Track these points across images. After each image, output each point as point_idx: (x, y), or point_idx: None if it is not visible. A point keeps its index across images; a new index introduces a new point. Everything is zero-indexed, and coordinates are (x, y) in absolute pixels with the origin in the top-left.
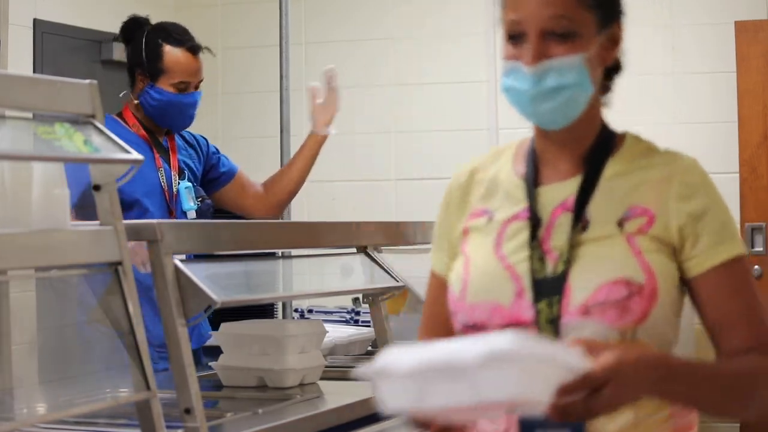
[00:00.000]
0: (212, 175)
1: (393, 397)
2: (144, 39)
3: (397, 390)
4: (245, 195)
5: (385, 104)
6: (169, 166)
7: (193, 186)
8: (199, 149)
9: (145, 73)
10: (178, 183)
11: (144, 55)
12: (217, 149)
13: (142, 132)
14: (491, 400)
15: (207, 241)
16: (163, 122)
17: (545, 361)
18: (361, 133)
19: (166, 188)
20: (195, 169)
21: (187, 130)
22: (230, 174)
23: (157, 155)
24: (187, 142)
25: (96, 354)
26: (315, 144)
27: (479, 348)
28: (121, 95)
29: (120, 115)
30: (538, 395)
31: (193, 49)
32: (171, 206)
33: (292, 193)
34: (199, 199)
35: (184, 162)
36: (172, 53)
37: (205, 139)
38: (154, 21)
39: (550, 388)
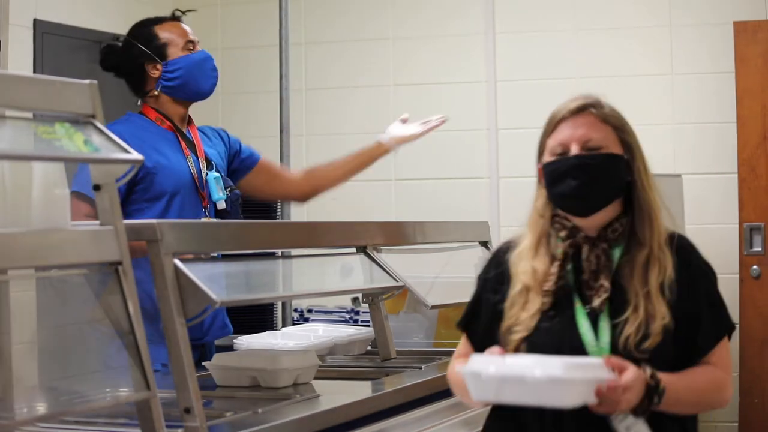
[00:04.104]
0: (236, 164)
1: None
2: (132, 38)
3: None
4: (276, 179)
5: (384, 104)
6: (197, 155)
7: (221, 176)
8: (221, 140)
9: (153, 60)
10: (206, 173)
11: (143, 48)
12: (238, 139)
13: (167, 124)
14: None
15: (207, 241)
16: (192, 89)
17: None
18: (360, 133)
19: (196, 176)
20: (221, 159)
21: (207, 125)
22: (253, 160)
23: (183, 144)
24: (208, 135)
25: (96, 354)
26: (376, 153)
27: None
28: (137, 104)
29: (141, 113)
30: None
31: (177, 17)
32: (202, 192)
33: (330, 188)
34: (228, 189)
35: (210, 152)
36: (163, 28)
37: (225, 131)
38: None
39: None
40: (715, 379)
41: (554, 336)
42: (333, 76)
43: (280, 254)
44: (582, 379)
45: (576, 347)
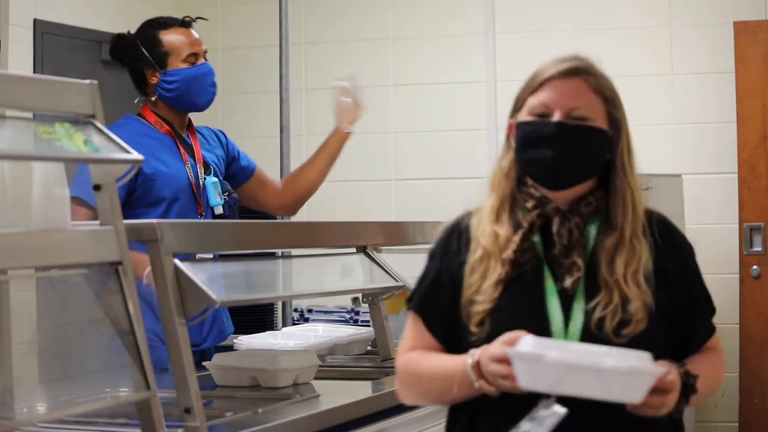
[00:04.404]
0: (233, 169)
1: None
2: (137, 38)
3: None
4: (265, 191)
5: (384, 104)
6: (195, 161)
7: (219, 181)
8: (220, 143)
9: (153, 67)
10: (204, 178)
11: (145, 51)
12: (236, 144)
13: (166, 128)
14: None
15: (207, 241)
16: (187, 102)
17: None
18: (360, 133)
19: (194, 182)
20: (219, 163)
21: (206, 126)
22: (250, 170)
23: (182, 150)
24: (206, 137)
25: (96, 354)
26: (338, 142)
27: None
28: (136, 101)
29: (140, 115)
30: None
31: (185, 23)
32: (198, 199)
33: (311, 191)
34: (225, 194)
35: (208, 157)
36: (168, 35)
37: (224, 133)
38: None
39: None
40: (718, 364)
41: (519, 313)
42: (333, 76)
43: (280, 254)
44: (653, 372)
45: (540, 328)
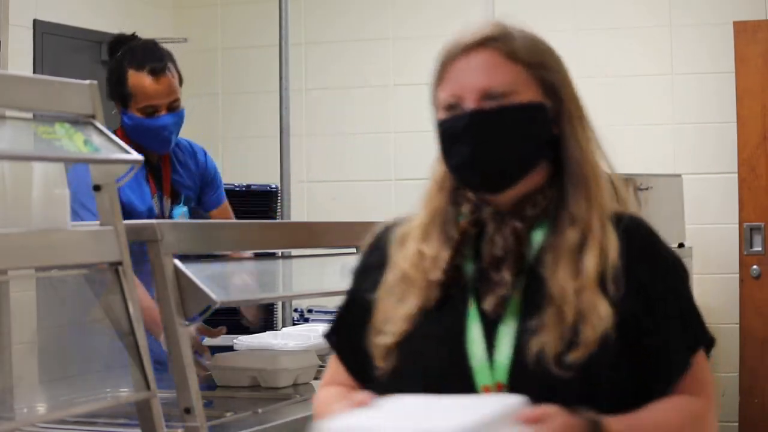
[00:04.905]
0: (204, 193)
1: None
2: (111, 66)
3: None
4: None
5: (384, 104)
6: (162, 191)
7: (189, 209)
8: (196, 163)
9: (116, 100)
10: (172, 209)
11: (112, 82)
12: (216, 170)
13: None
14: None
15: (207, 241)
16: (145, 147)
17: None
18: (360, 133)
19: (159, 215)
20: (192, 185)
21: (188, 139)
22: (215, 203)
23: (151, 181)
24: (182, 156)
25: (96, 354)
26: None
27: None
28: (113, 112)
29: (115, 134)
30: None
31: (155, 71)
32: None
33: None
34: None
35: (179, 182)
36: (134, 77)
37: (206, 153)
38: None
39: None
40: (692, 415)
41: (435, 347)
42: (333, 76)
43: (280, 254)
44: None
45: (459, 363)
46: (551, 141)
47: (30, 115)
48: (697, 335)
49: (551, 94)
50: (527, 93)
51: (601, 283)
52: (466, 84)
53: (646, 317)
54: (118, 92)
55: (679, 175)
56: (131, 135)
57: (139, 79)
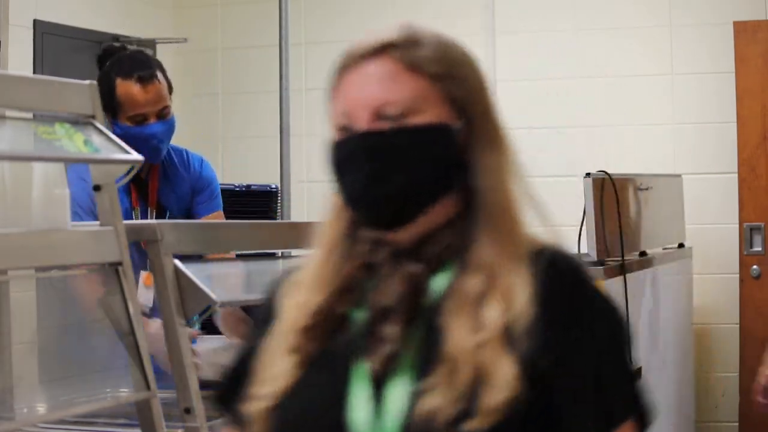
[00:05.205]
0: (194, 201)
1: None
2: (100, 75)
3: None
4: None
5: None
6: (147, 204)
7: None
8: (189, 175)
9: (106, 111)
10: None
11: (101, 92)
12: (212, 180)
13: None
14: None
15: (207, 241)
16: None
17: None
18: None
19: None
20: (182, 196)
21: (184, 150)
22: (208, 210)
23: (134, 193)
24: (174, 169)
25: (96, 354)
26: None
27: None
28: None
29: None
30: None
31: (143, 79)
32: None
33: None
34: None
35: (167, 196)
36: (122, 86)
37: (202, 160)
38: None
39: None
40: None
41: (314, 413)
42: None
43: (280, 254)
44: None
45: (337, 429)
46: (460, 168)
47: (30, 115)
48: (624, 404)
49: (461, 112)
50: (431, 111)
51: (510, 337)
52: (358, 100)
53: (559, 378)
54: (107, 103)
55: (679, 175)
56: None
57: (127, 88)
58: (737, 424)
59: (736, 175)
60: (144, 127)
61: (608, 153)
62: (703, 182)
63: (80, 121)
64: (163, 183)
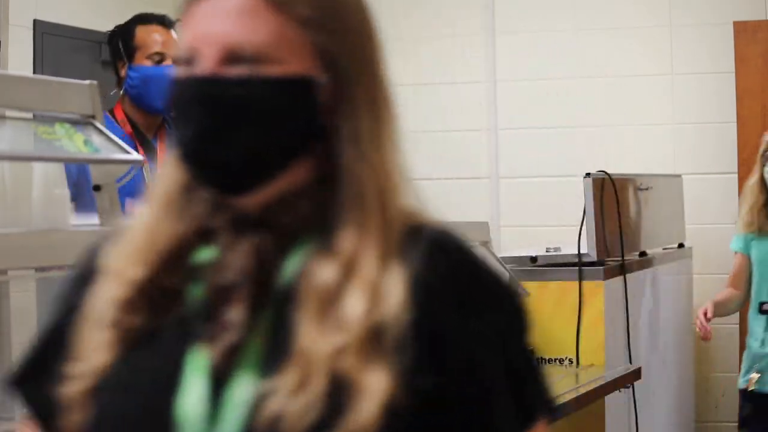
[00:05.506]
0: None
1: None
2: (118, 30)
3: None
4: None
5: None
6: (156, 165)
7: None
8: None
9: (123, 59)
10: None
11: (119, 41)
12: None
13: (128, 128)
14: None
15: None
16: (148, 102)
17: None
18: None
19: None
20: None
21: None
22: None
23: (141, 152)
24: None
25: None
26: None
27: None
28: (111, 93)
29: (111, 111)
30: None
31: (164, 22)
32: None
33: None
34: None
35: None
36: (142, 31)
37: None
38: None
39: None
40: None
41: (135, 400)
42: None
43: None
44: None
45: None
46: (319, 131)
47: (30, 115)
48: (535, 402)
49: (331, 66)
50: (293, 61)
51: (380, 341)
52: (207, 35)
53: (454, 386)
54: (125, 48)
55: (679, 176)
56: (135, 91)
57: (148, 31)
58: (737, 424)
59: (736, 175)
60: (162, 67)
61: (608, 153)
62: (703, 182)
63: (80, 121)
64: (171, 146)
